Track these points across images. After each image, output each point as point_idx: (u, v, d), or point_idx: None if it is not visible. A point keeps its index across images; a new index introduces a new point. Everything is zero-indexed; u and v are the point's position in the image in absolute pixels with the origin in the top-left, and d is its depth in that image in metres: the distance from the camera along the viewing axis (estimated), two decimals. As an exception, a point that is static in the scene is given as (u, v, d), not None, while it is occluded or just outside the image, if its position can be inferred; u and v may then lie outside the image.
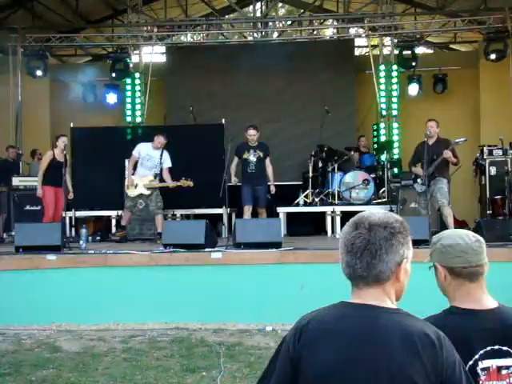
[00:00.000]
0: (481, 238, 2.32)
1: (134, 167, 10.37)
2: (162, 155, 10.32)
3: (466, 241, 2.29)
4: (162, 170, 10.33)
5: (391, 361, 1.71)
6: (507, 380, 2.19)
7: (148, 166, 10.30)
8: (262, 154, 10.47)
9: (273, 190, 10.49)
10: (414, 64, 14.04)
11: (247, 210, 10.41)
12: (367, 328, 1.77)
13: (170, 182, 10.28)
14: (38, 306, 8.02)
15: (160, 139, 10.35)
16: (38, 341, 7.30)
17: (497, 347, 2.20)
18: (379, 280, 1.81)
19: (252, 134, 10.45)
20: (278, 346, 1.89)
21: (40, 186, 10.15)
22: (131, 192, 10.24)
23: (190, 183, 10.15)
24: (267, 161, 10.55)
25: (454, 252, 2.28)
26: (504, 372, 2.20)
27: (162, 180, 10.34)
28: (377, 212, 1.88)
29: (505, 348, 2.20)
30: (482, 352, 2.17)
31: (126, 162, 10.79)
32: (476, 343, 2.16)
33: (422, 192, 9.42)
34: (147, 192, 10.18)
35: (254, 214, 10.65)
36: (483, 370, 2.18)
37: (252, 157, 10.45)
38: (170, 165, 10.39)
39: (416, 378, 1.70)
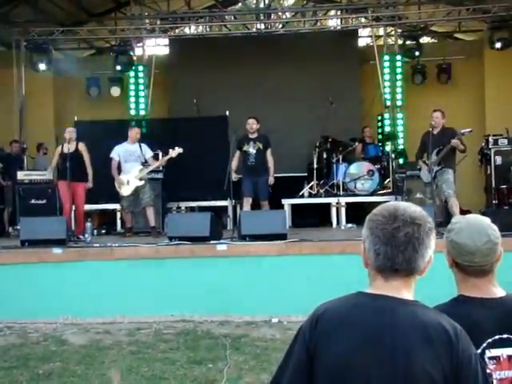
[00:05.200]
0: (493, 236, 2.25)
1: (118, 170, 10.40)
2: (140, 148, 10.38)
3: (475, 242, 2.21)
4: (146, 161, 10.39)
5: (406, 352, 1.71)
6: None
7: (132, 159, 10.35)
8: (261, 146, 10.25)
9: (271, 181, 10.24)
10: (417, 54, 14.00)
11: (247, 201, 10.26)
12: (382, 319, 1.76)
13: (160, 160, 10.44)
14: (44, 299, 8.04)
15: (135, 130, 10.51)
16: (45, 334, 7.32)
17: (505, 336, 2.18)
18: (413, 273, 1.82)
19: (250, 123, 10.24)
20: (295, 334, 1.89)
21: (56, 182, 10.12)
22: (125, 191, 10.22)
23: (180, 150, 10.07)
24: (268, 152, 10.31)
25: (461, 251, 2.23)
26: None
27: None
28: (407, 204, 1.87)
29: None
30: (489, 341, 2.15)
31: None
32: (483, 332, 2.13)
33: (427, 182, 9.39)
34: (141, 183, 10.19)
35: (256, 207, 10.48)
36: (491, 358, 2.16)
37: (252, 149, 10.24)
38: (152, 153, 10.53)
39: (431, 370, 1.69)
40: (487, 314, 2.20)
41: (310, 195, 11.96)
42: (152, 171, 10.71)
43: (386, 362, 1.71)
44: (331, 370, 1.76)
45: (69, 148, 9.91)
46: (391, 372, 1.70)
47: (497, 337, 2.18)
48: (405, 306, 1.78)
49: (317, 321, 1.83)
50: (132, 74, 14.61)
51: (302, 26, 15.28)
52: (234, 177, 9.98)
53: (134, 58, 14.76)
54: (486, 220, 2.32)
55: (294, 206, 11.77)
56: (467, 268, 2.24)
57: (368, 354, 1.73)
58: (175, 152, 10.08)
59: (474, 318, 2.16)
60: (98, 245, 8.82)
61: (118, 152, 10.38)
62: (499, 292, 2.27)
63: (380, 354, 1.72)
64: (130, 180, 10.20)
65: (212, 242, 8.40)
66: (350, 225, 11.20)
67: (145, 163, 10.38)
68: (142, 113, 14.61)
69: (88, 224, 9.55)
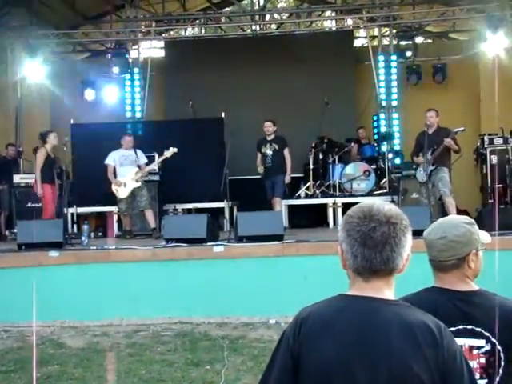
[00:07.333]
0: (453, 234, 2.30)
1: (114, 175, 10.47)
2: (136, 153, 10.48)
3: (431, 236, 2.34)
4: (139, 167, 10.42)
5: (391, 353, 1.71)
6: (477, 360, 2.23)
7: (127, 163, 10.46)
8: (277, 147, 10.76)
9: (287, 180, 10.80)
10: (412, 54, 14.03)
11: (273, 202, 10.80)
12: (366, 320, 1.76)
13: (155, 161, 10.57)
14: (41, 302, 7.99)
15: (126, 139, 10.58)
16: (42, 337, 7.32)
17: (470, 327, 2.24)
18: (392, 273, 1.81)
19: (267, 126, 10.82)
20: (279, 339, 1.88)
21: (40, 185, 10.12)
22: (122, 193, 10.27)
23: (175, 149, 10.25)
24: (285, 152, 10.80)
25: (425, 244, 2.37)
26: (475, 352, 2.23)
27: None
28: (381, 203, 1.86)
29: (478, 329, 2.23)
30: (453, 329, 2.16)
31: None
32: (447, 320, 2.14)
33: (422, 182, 9.41)
34: (137, 184, 10.24)
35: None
36: None
37: (268, 150, 10.79)
38: (146, 160, 10.62)
39: (417, 369, 1.69)
40: (453, 303, 2.27)
41: (307, 196, 11.98)
42: (149, 173, 10.73)
43: (373, 364, 1.71)
44: (316, 373, 1.75)
45: (53, 152, 10.27)
46: (378, 374, 1.70)
47: (461, 327, 2.23)
48: (388, 307, 1.78)
49: (300, 325, 1.82)
50: (128, 76, 14.60)
51: (297, 28, 15.29)
52: (260, 169, 10.92)
53: (130, 60, 14.75)
54: (458, 221, 2.38)
55: (290, 207, 11.79)
56: (431, 262, 2.37)
57: (354, 356, 1.73)
58: (170, 152, 10.22)
59: (439, 305, 2.24)
60: (94, 247, 8.81)
61: (113, 158, 10.48)
62: (470, 287, 2.32)
63: (366, 356, 1.72)
64: (126, 182, 10.25)
65: (209, 243, 8.41)
66: (346, 225, 11.20)
67: (140, 167, 10.41)
68: (138, 115, 14.61)
69: (85, 226, 9.56)
